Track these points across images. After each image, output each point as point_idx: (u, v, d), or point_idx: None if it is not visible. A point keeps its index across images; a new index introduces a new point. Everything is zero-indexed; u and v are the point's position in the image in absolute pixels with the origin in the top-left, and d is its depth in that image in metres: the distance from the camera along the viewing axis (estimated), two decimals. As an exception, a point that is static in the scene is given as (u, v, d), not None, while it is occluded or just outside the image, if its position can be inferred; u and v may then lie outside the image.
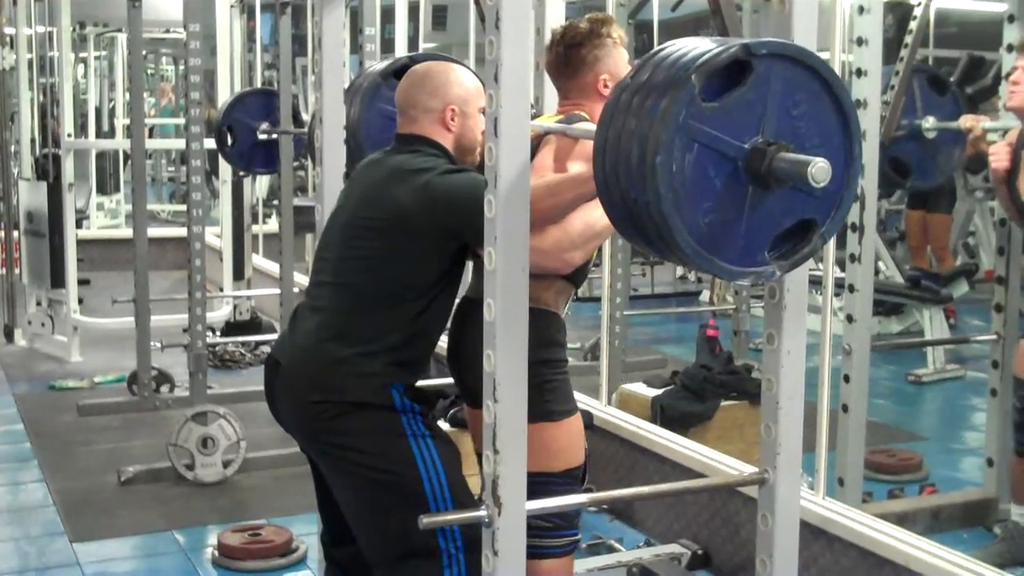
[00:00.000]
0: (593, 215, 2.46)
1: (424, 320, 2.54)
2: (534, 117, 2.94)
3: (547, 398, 2.59)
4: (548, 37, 2.87)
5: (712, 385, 4.77)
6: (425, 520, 2.04)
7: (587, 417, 3.84)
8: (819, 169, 1.71)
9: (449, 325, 2.73)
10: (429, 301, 2.54)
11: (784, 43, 1.80)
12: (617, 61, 2.74)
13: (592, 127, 2.48)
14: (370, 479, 2.53)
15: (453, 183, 2.50)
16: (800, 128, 1.79)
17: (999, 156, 3.65)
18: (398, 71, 3.19)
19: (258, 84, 7.69)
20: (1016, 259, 4.10)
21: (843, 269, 3.96)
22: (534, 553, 2.76)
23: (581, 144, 2.50)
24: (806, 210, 1.82)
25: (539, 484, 2.71)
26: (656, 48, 1.82)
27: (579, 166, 2.48)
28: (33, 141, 7.53)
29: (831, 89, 1.82)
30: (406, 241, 2.52)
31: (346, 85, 3.13)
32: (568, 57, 2.73)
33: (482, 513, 1.99)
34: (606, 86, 2.72)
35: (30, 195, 7.15)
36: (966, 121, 3.91)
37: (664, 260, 1.84)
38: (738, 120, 1.75)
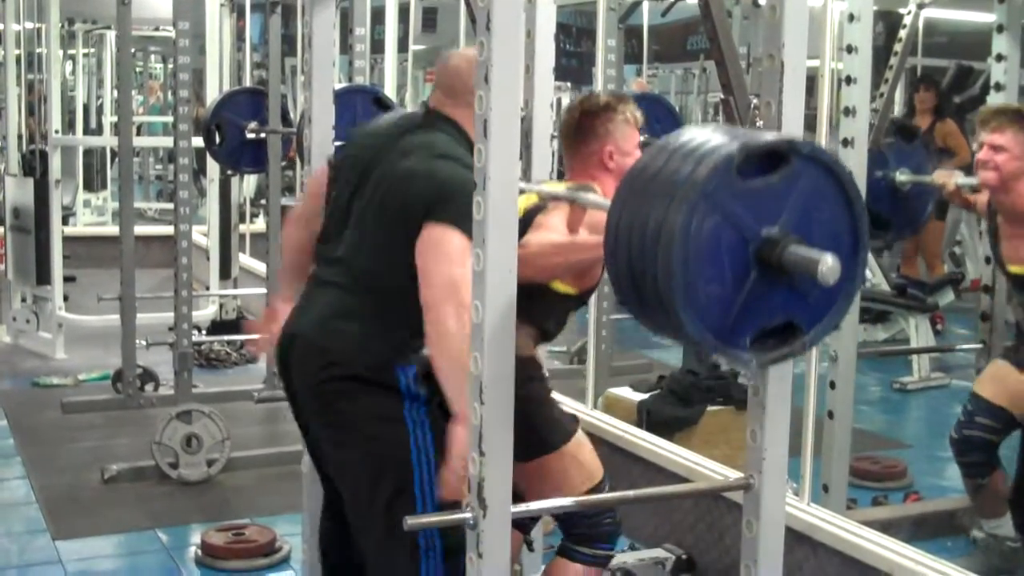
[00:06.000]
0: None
1: None
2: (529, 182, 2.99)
3: (539, 432, 2.62)
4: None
5: (698, 390, 4.77)
6: (410, 521, 2.03)
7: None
8: (829, 268, 1.72)
9: None
10: None
11: (824, 150, 1.82)
12: (626, 137, 2.86)
13: (601, 198, 2.53)
14: (363, 463, 2.55)
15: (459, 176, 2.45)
16: (814, 233, 1.80)
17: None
18: None
19: (247, 83, 7.66)
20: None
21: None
22: (569, 554, 2.80)
23: (590, 214, 2.54)
24: (796, 313, 1.83)
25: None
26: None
27: (587, 234, 2.55)
28: (20, 137, 7.50)
29: (851, 204, 1.83)
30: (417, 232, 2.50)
31: (336, 85, 3.12)
32: (581, 123, 2.87)
33: (467, 515, 1.99)
34: (611, 158, 2.83)
35: (16, 191, 7.11)
36: (940, 177, 3.95)
37: (646, 319, 1.86)
38: (762, 206, 1.77)
